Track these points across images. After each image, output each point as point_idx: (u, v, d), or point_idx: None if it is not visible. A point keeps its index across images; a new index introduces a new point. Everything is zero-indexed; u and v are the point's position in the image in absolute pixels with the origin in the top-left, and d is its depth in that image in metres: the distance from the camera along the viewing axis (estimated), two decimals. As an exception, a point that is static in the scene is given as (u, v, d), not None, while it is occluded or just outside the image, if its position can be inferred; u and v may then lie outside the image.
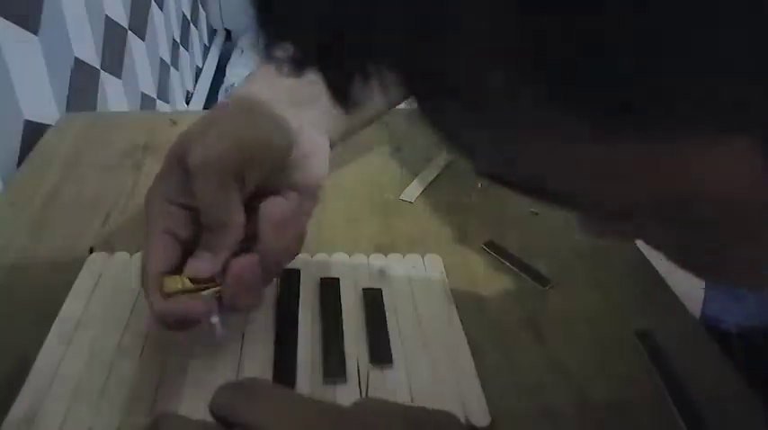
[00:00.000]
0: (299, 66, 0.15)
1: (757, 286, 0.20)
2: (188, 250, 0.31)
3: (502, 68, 0.13)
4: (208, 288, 0.30)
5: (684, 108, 0.12)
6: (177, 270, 0.30)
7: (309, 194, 0.34)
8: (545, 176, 0.16)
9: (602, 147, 0.14)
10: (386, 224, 0.45)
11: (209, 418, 0.29)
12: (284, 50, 0.15)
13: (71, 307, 0.35)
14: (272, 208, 0.31)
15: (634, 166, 0.14)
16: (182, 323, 0.30)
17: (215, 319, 0.30)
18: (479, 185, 0.50)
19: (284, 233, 0.31)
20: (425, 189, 0.49)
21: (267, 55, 0.16)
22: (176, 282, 0.29)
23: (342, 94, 0.15)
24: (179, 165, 0.31)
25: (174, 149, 0.32)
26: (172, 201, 0.31)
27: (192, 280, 0.30)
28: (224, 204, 0.30)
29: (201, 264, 0.30)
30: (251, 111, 0.32)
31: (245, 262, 0.30)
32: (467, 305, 0.37)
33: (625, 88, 0.12)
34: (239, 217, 0.30)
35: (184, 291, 0.29)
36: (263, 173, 0.31)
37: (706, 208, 0.15)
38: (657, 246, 0.20)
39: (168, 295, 0.29)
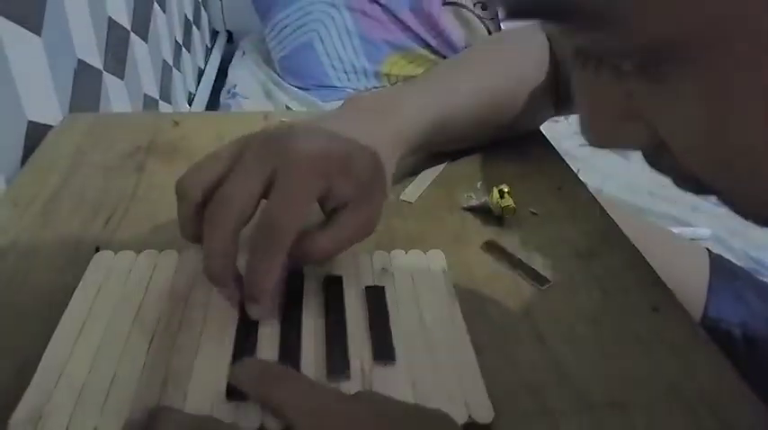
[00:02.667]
0: None
1: None
2: None
3: None
4: None
5: None
6: None
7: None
8: None
9: None
10: (386, 224, 0.45)
11: (214, 413, 0.29)
12: None
13: (77, 306, 0.35)
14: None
15: None
16: None
17: None
18: (478, 185, 0.50)
19: None
20: (425, 189, 0.49)
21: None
22: None
23: None
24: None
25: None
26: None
27: None
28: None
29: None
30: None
31: None
32: (467, 305, 0.37)
33: None
34: None
35: None
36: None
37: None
38: (667, 143, 0.20)
39: None
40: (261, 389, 0.28)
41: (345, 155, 0.34)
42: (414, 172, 0.51)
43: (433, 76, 0.49)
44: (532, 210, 0.47)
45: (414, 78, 0.48)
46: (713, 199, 0.23)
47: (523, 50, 0.51)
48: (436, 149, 0.50)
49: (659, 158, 0.22)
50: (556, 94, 0.53)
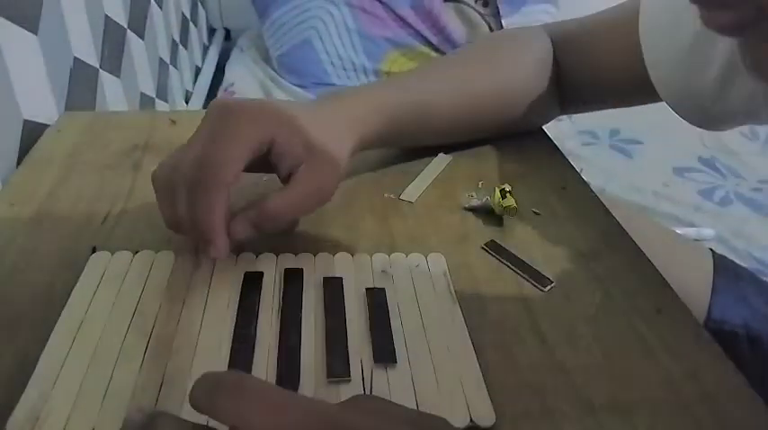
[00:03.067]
0: None
1: None
2: None
3: None
4: None
5: None
6: None
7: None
8: None
9: None
10: (386, 224, 0.45)
11: (213, 421, 0.29)
12: None
13: (74, 307, 0.35)
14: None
15: None
16: None
17: None
18: (480, 185, 0.49)
19: None
20: (426, 189, 0.49)
21: None
22: None
23: None
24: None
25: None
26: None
27: None
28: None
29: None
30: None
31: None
32: (467, 305, 0.37)
33: None
34: None
35: None
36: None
37: None
38: None
39: None
40: (214, 403, 0.22)
41: (288, 113, 0.37)
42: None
43: (416, 71, 0.49)
44: (535, 210, 0.47)
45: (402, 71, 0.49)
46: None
47: (524, 50, 0.51)
48: (410, 143, 0.50)
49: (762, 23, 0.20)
50: (560, 92, 0.52)
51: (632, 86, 0.48)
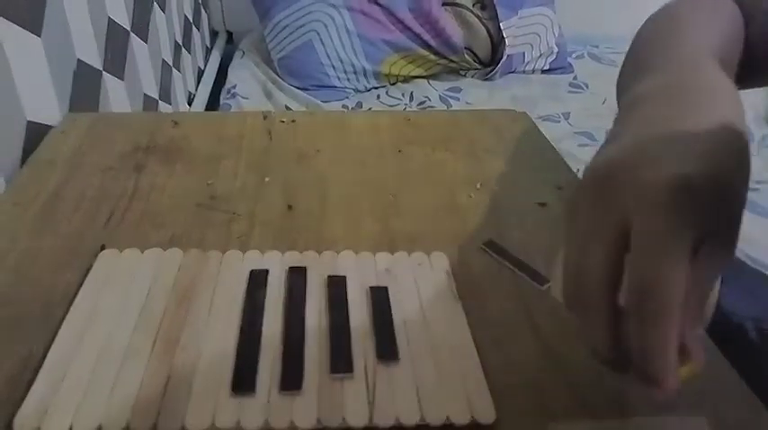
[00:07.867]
0: None
1: None
2: None
3: None
4: None
5: None
6: None
7: None
8: None
9: None
10: (386, 224, 0.45)
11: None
12: None
13: (83, 303, 0.36)
14: None
15: None
16: None
17: None
18: (478, 186, 0.50)
19: None
20: (426, 190, 0.49)
21: None
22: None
23: None
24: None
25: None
26: None
27: None
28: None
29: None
30: None
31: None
32: (466, 304, 0.38)
33: None
34: None
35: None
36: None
37: None
38: None
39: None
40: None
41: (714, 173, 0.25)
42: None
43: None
44: (539, 201, 0.47)
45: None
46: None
47: (721, 15, 0.40)
48: None
49: None
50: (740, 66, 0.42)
51: None
